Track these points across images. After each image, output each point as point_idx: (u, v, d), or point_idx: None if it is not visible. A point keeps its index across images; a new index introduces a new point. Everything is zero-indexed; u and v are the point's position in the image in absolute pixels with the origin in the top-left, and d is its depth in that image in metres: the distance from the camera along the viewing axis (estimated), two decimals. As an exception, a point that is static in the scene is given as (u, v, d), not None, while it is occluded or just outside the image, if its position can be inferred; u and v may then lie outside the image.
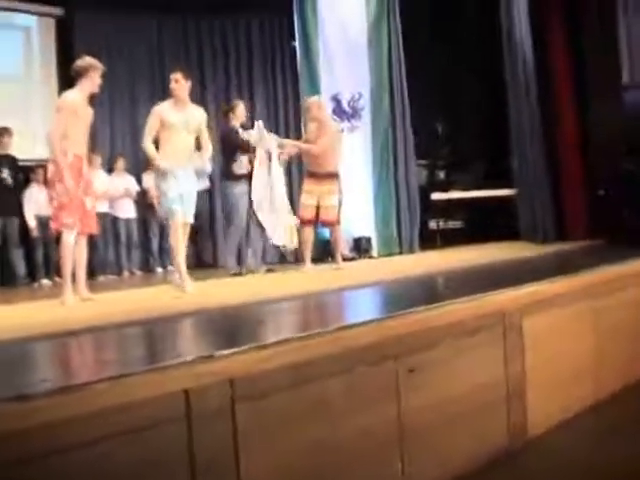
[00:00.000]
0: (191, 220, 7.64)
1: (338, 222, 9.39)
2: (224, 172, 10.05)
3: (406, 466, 4.31)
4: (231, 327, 5.25)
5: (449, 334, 4.81)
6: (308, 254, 9.37)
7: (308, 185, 9.28)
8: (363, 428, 4.11)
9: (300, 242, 9.69)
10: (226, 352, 3.46)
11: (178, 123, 7.43)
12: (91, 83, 6.89)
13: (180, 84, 7.53)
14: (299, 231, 9.53)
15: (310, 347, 3.89)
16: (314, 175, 9.25)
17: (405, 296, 6.66)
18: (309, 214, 9.20)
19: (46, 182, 6.74)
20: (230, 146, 9.78)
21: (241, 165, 9.68)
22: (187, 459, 3.24)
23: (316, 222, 9.31)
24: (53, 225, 6.82)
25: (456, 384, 4.79)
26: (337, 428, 3.96)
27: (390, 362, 4.35)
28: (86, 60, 6.98)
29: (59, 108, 6.78)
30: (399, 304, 6.18)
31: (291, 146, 9.78)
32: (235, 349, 3.52)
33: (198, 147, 7.70)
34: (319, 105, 9.53)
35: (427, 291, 6.95)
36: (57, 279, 9.77)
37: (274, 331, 5.04)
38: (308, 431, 3.81)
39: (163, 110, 7.51)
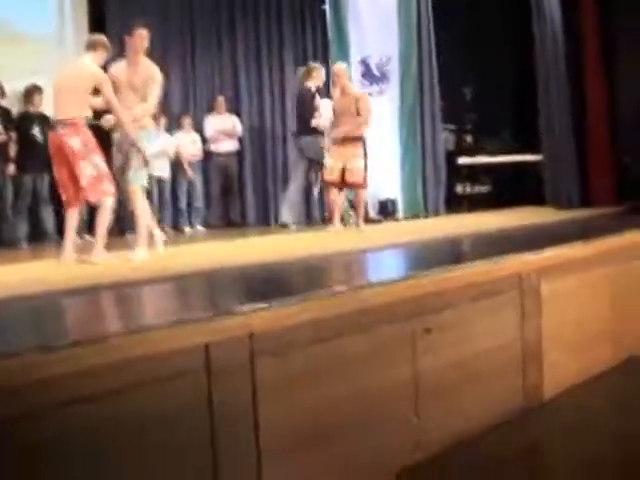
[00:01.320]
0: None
1: (365, 185, 9.49)
2: (302, 128, 10.37)
3: (422, 422, 4.42)
4: (250, 284, 5.38)
5: (466, 296, 4.89)
6: (336, 215, 9.50)
7: (334, 148, 9.39)
8: (380, 385, 4.22)
9: (327, 203, 9.89)
10: (246, 308, 3.56)
11: (122, 82, 7.09)
12: (99, 58, 6.93)
13: (132, 39, 7.18)
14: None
15: (329, 305, 3.99)
16: (339, 139, 9.36)
17: (424, 258, 6.75)
18: (335, 176, 9.31)
19: (71, 154, 6.66)
20: (306, 106, 10.16)
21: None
22: (206, 412, 3.34)
23: (342, 185, 9.41)
24: (92, 198, 6.75)
25: (472, 345, 4.87)
26: (355, 385, 4.07)
27: (407, 322, 4.44)
28: (96, 37, 7.12)
29: (106, 80, 6.78)
30: (417, 265, 6.31)
31: None
32: (255, 305, 3.62)
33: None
34: (338, 72, 9.65)
35: (446, 253, 7.03)
36: (87, 237, 9.90)
37: (293, 289, 5.15)
38: (327, 387, 3.91)
39: (115, 69, 7.22)
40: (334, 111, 9.53)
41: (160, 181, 11.90)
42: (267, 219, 13.04)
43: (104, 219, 6.77)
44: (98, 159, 6.70)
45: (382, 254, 7.17)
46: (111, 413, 3.06)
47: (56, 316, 4.38)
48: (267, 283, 5.34)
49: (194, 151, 12.25)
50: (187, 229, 12.19)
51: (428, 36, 12.03)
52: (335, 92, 9.83)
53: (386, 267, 6.71)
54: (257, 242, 9.02)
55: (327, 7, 12.44)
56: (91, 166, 6.63)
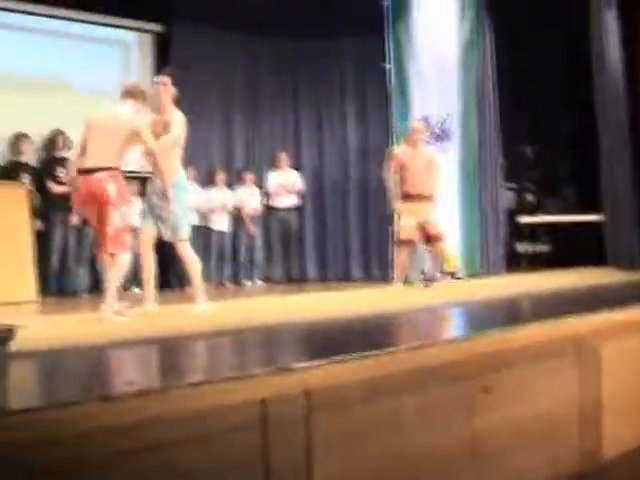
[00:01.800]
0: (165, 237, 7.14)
1: (443, 238, 9.55)
2: None
3: (477, 484, 4.39)
4: (308, 341, 5.40)
5: (525, 356, 4.84)
6: (400, 274, 9.54)
7: (406, 206, 9.39)
8: (436, 444, 4.18)
9: (396, 262, 9.85)
10: (303, 364, 3.58)
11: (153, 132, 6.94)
12: (137, 106, 6.85)
13: (155, 86, 7.21)
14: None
15: (386, 363, 3.99)
16: (411, 196, 9.38)
17: (484, 317, 6.75)
18: (410, 235, 9.35)
19: (106, 199, 6.47)
20: None
21: None
22: (262, 467, 3.33)
23: (423, 240, 9.49)
24: (115, 249, 6.52)
25: (530, 406, 4.82)
26: (410, 443, 4.04)
27: (465, 381, 4.41)
28: (133, 85, 7.15)
29: (144, 127, 6.73)
30: (478, 324, 6.28)
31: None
32: (312, 362, 3.64)
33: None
34: (420, 129, 9.80)
35: (507, 313, 6.99)
36: (136, 290, 10.05)
37: (350, 346, 5.15)
38: (382, 445, 3.89)
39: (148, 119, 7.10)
40: (404, 167, 9.44)
41: (220, 234, 12.06)
42: (326, 275, 13.10)
43: (116, 275, 6.56)
44: (126, 210, 6.64)
45: (443, 312, 7.14)
46: (165, 466, 3.07)
47: (112, 368, 4.43)
48: (325, 339, 5.35)
49: (255, 206, 12.39)
50: (247, 283, 12.28)
51: (490, 94, 12.05)
52: (402, 148, 9.80)
53: (446, 326, 6.69)
54: (316, 298, 9.02)
55: (388, 65, 12.50)
56: (119, 215, 6.54)
